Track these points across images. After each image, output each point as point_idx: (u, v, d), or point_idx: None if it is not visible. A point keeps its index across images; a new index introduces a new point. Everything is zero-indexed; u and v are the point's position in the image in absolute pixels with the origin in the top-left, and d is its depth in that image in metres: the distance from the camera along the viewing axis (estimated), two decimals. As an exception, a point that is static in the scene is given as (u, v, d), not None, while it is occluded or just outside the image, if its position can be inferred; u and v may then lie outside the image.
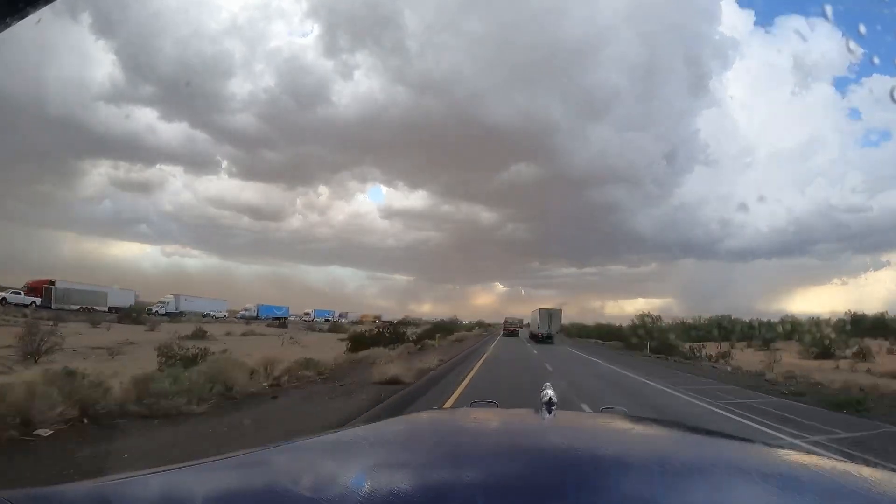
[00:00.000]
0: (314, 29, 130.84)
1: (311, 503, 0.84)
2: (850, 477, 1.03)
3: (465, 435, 1.45)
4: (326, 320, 78.54)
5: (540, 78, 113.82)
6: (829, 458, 1.35)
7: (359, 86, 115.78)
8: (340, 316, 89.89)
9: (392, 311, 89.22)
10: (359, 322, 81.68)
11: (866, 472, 1.03)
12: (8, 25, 0.90)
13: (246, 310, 66.89)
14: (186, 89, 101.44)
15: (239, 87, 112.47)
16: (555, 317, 43.92)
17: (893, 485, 1.03)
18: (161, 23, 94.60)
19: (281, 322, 55.99)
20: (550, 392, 1.51)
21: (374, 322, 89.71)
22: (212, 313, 56.49)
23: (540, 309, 44.42)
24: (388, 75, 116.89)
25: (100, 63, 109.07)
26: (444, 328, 49.14)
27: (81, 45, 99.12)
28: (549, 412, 1.44)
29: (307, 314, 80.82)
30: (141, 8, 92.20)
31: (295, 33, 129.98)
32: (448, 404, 8.64)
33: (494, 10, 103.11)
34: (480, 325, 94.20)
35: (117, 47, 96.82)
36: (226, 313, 59.21)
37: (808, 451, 1.69)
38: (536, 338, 41.84)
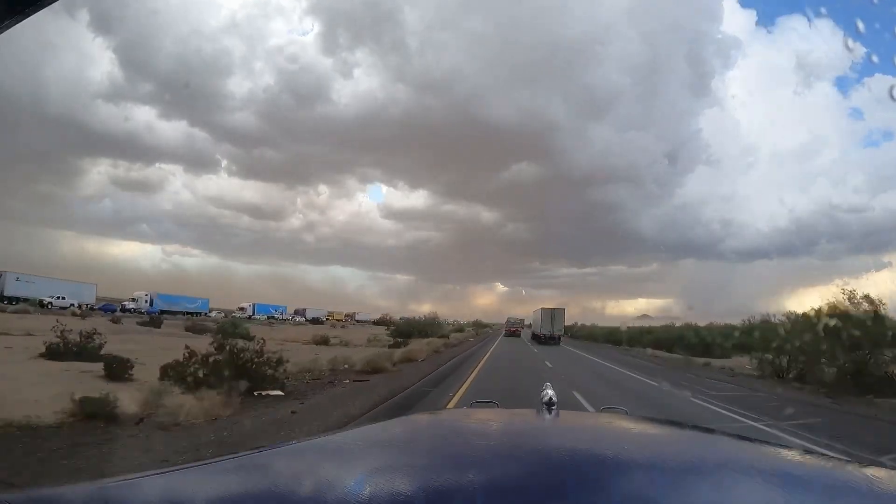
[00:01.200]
0: (314, 27, 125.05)
1: None
2: (851, 475, 1.04)
3: (466, 435, 1.45)
4: (270, 318, 59.79)
5: (541, 77, 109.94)
6: (830, 456, 1.32)
7: (359, 84, 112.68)
8: (297, 313, 71.32)
9: (392, 310, 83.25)
10: (321, 321, 62.41)
11: (867, 470, 1.03)
12: (7, 27, 0.87)
13: (133, 300, 49.23)
14: (186, 90, 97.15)
15: (238, 85, 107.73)
16: (557, 316, 42.45)
17: (894, 483, 1.01)
18: (160, 20, 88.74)
19: (154, 320, 36.43)
20: (550, 392, 1.56)
21: (343, 322, 69.21)
22: (49, 301, 39.00)
23: (542, 308, 43.09)
24: (388, 74, 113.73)
25: (98, 61, 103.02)
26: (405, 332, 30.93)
27: (80, 42, 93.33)
28: (550, 412, 1.48)
29: (241, 309, 62.67)
30: (140, 6, 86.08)
31: (294, 31, 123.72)
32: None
33: (494, 8, 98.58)
34: (477, 324, 76.86)
35: (116, 45, 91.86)
36: (74, 302, 41.49)
37: (809, 450, 1.63)
38: (539, 339, 40.64)
